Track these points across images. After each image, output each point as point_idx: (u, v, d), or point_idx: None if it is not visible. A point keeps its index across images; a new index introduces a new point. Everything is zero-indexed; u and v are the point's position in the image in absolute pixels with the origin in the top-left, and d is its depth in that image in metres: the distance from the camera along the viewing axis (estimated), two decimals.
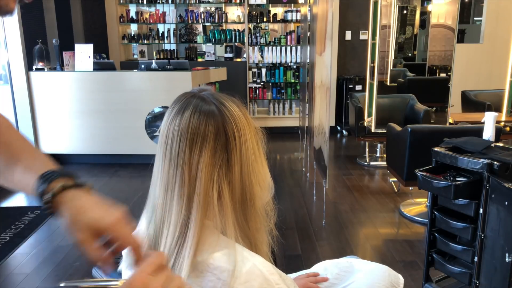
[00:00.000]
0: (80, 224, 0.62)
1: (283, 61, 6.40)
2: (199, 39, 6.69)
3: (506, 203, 1.64)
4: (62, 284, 0.58)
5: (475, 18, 6.30)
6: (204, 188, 0.75)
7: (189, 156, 0.75)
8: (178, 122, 0.77)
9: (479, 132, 2.15)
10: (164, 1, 6.42)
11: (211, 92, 0.82)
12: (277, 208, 0.88)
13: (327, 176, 3.19)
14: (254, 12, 6.40)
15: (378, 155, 4.93)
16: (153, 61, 4.77)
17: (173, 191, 0.76)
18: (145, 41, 6.68)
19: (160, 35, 6.69)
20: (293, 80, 6.44)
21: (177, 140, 0.76)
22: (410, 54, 6.26)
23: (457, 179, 1.87)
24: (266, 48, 6.38)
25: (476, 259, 1.83)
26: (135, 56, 7.00)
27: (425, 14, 6.01)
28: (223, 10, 6.66)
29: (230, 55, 6.57)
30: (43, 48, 4.51)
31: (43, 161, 0.71)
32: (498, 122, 3.07)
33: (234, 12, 6.81)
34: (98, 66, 4.72)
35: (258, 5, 6.40)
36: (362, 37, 6.33)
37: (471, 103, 4.82)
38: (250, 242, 0.80)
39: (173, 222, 0.75)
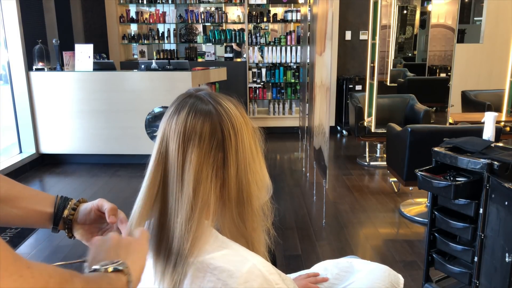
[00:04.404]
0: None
1: (283, 61, 6.40)
2: (199, 39, 6.69)
3: (506, 203, 1.64)
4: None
5: (475, 18, 6.30)
6: (200, 187, 0.75)
7: (184, 155, 0.75)
8: (174, 122, 0.77)
9: (479, 132, 2.15)
10: (164, 1, 6.42)
11: (208, 92, 0.81)
12: (275, 208, 0.88)
13: (327, 176, 3.19)
14: (254, 12, 6.40)
15: (378, 155, 4.92)
16: (153, 61, 4.77)
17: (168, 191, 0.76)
18: (145, 41, 6.68)
19: (160, 35, 6.69)
20: (293, 80, 6.44)
21: (173, 139, 0.76)
22: (410, 54, 6.26)
23: (457, 179, 1.87)
24: (266, 48, 6.38)
25: (476, 259, 1.83)
26: (135, 56, 7.00)
27: (425, 14, 6.01)
28: (223, 10, 6.66)
29: (230, 55, 6.57)
30: (43, 48, 4.51)
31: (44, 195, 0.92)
32: (498, 122, 3.07)
33: (234, 12, 6.81)
34: (98, 66, 4.71)
35: (258, 5, 6.40)
36: (362, 37, 6.33)
37: (471, 103, 4.82)
38: (247, 242, 0.80)
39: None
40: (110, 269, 0.61)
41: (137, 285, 0.68)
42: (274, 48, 6.35)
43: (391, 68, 5.28)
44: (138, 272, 0.66)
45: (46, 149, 4.74)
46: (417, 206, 3.46)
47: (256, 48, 6.40)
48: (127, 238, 0.69)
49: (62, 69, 4.65)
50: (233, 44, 6.59)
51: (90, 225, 0.89)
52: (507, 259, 1.61)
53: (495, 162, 1.74)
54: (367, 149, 4.85)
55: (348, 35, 6.36)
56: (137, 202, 0.78)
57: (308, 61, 4.46)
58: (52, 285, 0.42)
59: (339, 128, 6.46)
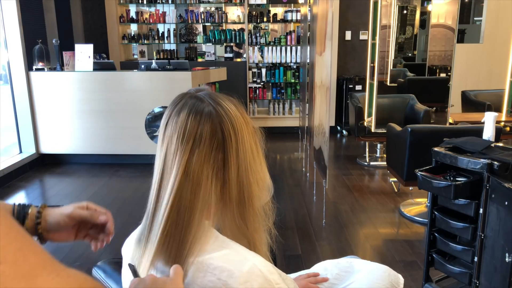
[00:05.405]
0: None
1: (283, 61, 6.40)
2: (199, 39, 6.69)
3: (506, 203, 1.64)
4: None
5: (475, 18, 6.30)
6: (200, 188, 0.75)
7: (185, 157, 0.75)
8: (174, 123, 0.77)
9: (479, 132, 2.15)
10: (164, 1, 6.42)
11: (208, 92, 0.81)
12: (276, 208, 0.88)
13: (327, 176, 3.19)
14: (254, 12, 6.40)
15: (378, 155, 4.92)
16: (153, 61, 4.77)
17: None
18: (145, 41, 6.68)
19: (160, 35, 6.69)
20: (293, 80, 6.44)
21: (174, 141, 0.76)
22: (410, 54, 6.25)
23: (457, 179, 1.87)
24: (266, 48, 6.38)
25: (476, 259, 1.83)
26: (135, 56, 7.00)
27: (425, 14, 6.01)
28: (223, 10, 6.66)
29: (230, 55, 6.57)
30: (43, 48, 4.51)
31: None
32: (498, 122, 3.07)
33: (234, 12, 6.81)
34: (98, 66, 4.71)
35: (258, 5, 6.40)
36: (362, 37, 6.33)
37: (471, 103, 4.82)
38: (249, 242, 0.80)
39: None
40: None
41: None
42: (274, 48, 6.35)
43: (391, 68, 5.28)
44: None
45: (46, 149, 4.74)
46: (417, 206, 3.47)
47: (256, 48, 6.40)
48: (162, 278, 0.68)
49: (62, 69, 4.65)
50: (232, 44, 6.59)
51: (65, 231, 0.87)
52: (507, 259, 1.61)
53: (495, 162, 1.74)
54: (367, 149, 4.85)
55: (348, 35, 6.36)
56: (150, 199, 0.80)
57: (308, 61, 4.46)
58: (87, 286, 0.44)
59: (339, 128, 6.46)
